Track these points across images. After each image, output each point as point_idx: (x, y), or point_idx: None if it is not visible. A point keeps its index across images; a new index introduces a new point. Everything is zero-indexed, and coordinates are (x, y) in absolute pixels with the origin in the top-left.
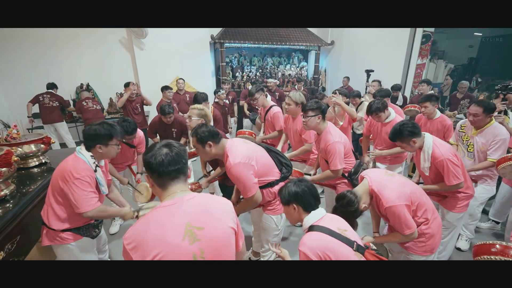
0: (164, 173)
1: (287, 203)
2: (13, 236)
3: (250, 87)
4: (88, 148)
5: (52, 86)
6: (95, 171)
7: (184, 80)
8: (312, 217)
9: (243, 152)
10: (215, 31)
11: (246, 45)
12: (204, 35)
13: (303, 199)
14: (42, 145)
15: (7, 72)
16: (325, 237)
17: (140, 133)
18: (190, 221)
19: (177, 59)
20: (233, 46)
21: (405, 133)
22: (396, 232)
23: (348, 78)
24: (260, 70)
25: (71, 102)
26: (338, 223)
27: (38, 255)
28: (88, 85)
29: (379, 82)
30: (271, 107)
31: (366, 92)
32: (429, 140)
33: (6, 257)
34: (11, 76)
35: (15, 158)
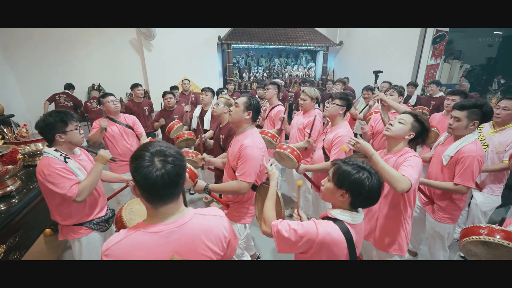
0: (155, 195)
1: (340, 187)
2: (17, 230)
3: (256, 88)
4: (50, 144)
5: (69, 87)
6: (66, 162)
7: (189, 81)
8: (349, 217)
9: (263, 144)
10: (223, 32)
11: (253, 45)
12: (211, 36)
13: (363, 198)
14: None
15: (24, 73)
16: (343, 244)
17: (130, 116)
18: (176, 253)
19: (184, 60)
20: (241, 47)
21: (481, 110)
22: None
23: (348, 78)
24: (267, 71)
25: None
26: (360, 236)
27: (45, 248)
28: (99, 85)
29: (390, 83)
30: (277, 105)
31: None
32: (475, 136)
33: (8, 251)
34: (27, 76)
35: (20, 156)
